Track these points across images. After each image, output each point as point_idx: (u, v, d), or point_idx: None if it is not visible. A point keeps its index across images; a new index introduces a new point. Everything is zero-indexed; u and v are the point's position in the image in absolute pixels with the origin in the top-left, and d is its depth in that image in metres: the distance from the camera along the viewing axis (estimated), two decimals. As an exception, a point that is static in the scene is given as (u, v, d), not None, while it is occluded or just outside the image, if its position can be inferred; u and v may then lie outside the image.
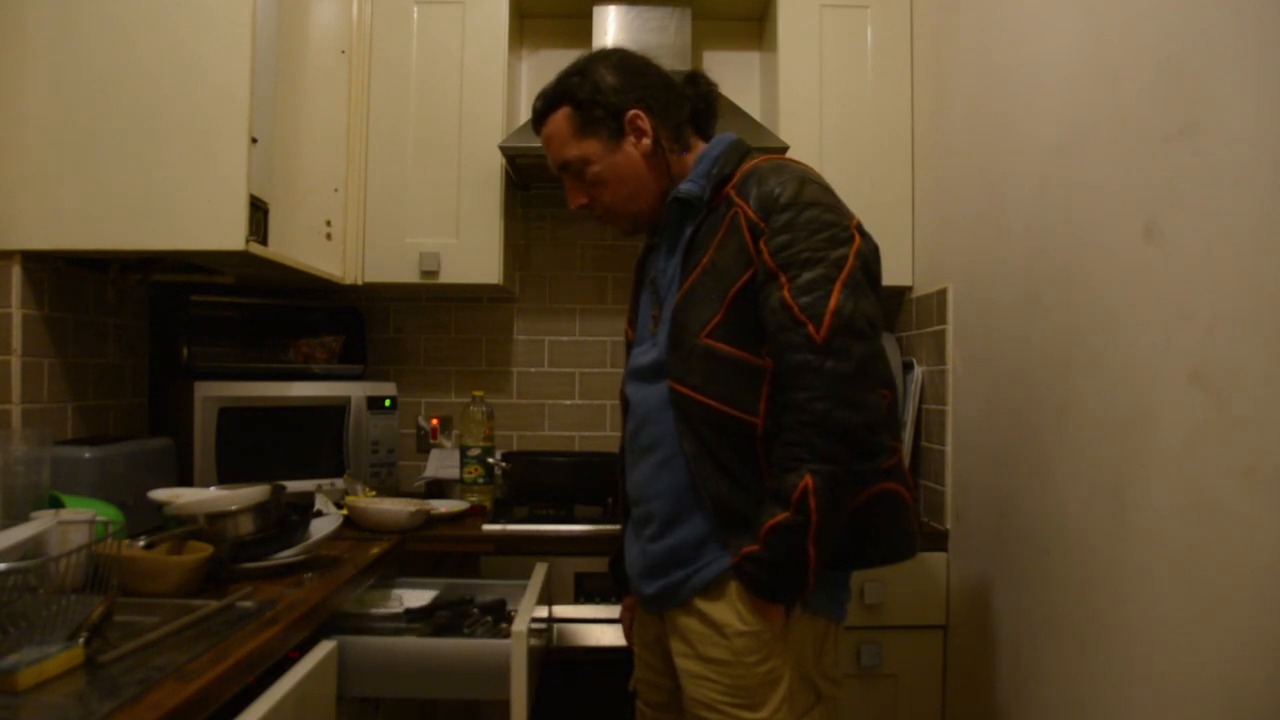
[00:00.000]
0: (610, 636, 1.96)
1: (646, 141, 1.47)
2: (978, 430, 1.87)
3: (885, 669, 2.01)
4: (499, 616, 1.68)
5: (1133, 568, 1.27)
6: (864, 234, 1.39)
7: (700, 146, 1.52)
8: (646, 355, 1.48)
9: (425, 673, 1.53)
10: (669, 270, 1.47)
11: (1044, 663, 1.53)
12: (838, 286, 1.30)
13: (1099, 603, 1.35)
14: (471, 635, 1.60)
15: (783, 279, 1.32)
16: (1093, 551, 1.37)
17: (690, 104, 1.53)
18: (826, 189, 1.40)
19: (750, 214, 1.37)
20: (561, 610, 2.00)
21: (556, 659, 2.00)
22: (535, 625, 1.61)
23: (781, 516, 1.27)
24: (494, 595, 1.78)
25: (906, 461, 2.16)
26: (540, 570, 1.83)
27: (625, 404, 1.55)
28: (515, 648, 1.46)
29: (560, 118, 1.48)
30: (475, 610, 1.68)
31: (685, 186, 1.45)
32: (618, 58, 1.52)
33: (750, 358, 1.35)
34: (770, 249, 1.34)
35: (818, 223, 1.34)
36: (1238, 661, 1.06)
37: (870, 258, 1.39)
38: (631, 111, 1.46)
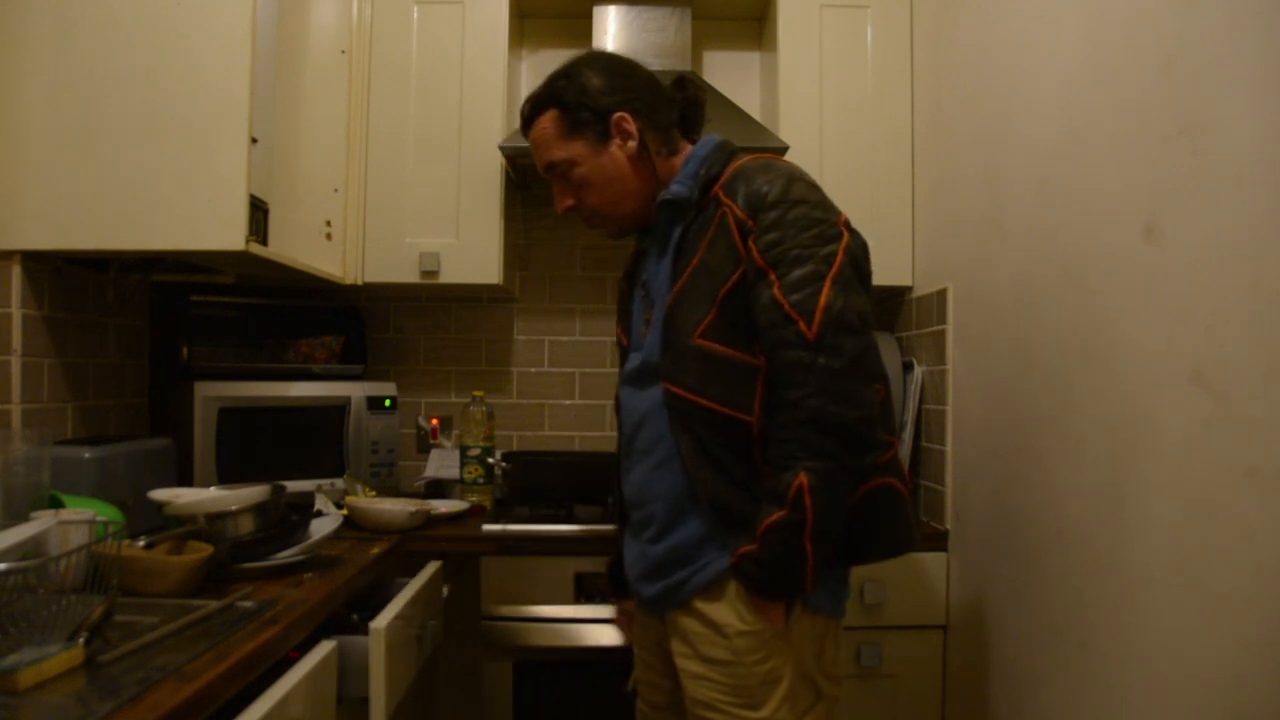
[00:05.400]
0: (610, 636, 1.96)
1: (632, 144, 1.47)
2: (978, 430, 1.87)
3: (885, 669, 2.01)
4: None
5: (1132, 568, 1.27)
6: (852, 230, 1.39)
7: (687, 149, 1.52)
8: (639, 359, 1.48)
9: None
10: (660, 273, 1.47)
11: (1044, 663, 1.53)
12: (828, 283, 1.30)
13: (1099, 603, 1.35)
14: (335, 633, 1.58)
15: (772, 277, 1.32)
16: (1092, 551, 1.37)
17: (678, 107, 1.53)
18: (813, 186, 1.40)
19: (738, 213, 1.37)
20: (561, 610, 2.00)
21: (557, 658, 2.00)
22: (415, 623, 1.63)
23: (778, 515, 1.27)
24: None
25: (906, 461, 2.18)
26: (430, 567, 1.83)
27: (619, 408, 1.55)
28: (374, 644, 1.45)
29: (547, 120, 1.49)
30: (341, 609, 1.68)
31: (674, 189, 1.45)
32: (605, 60, 1.53)
33: (743, 357, 1.35)
34: (759, 247, 1.34)
35: (806, 220, 1.34)
36: (1238, 662, 1.06)
37: (859, 254, 1.39)
38: (617, 114, 1.46)
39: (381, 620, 1.48)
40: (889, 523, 1.41)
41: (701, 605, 1.38)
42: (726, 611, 1.35)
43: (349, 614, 1.67)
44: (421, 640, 1.71)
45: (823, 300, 1.29)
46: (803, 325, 1.28)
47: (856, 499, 1.35)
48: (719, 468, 1.35)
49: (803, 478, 1.26)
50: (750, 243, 1.35)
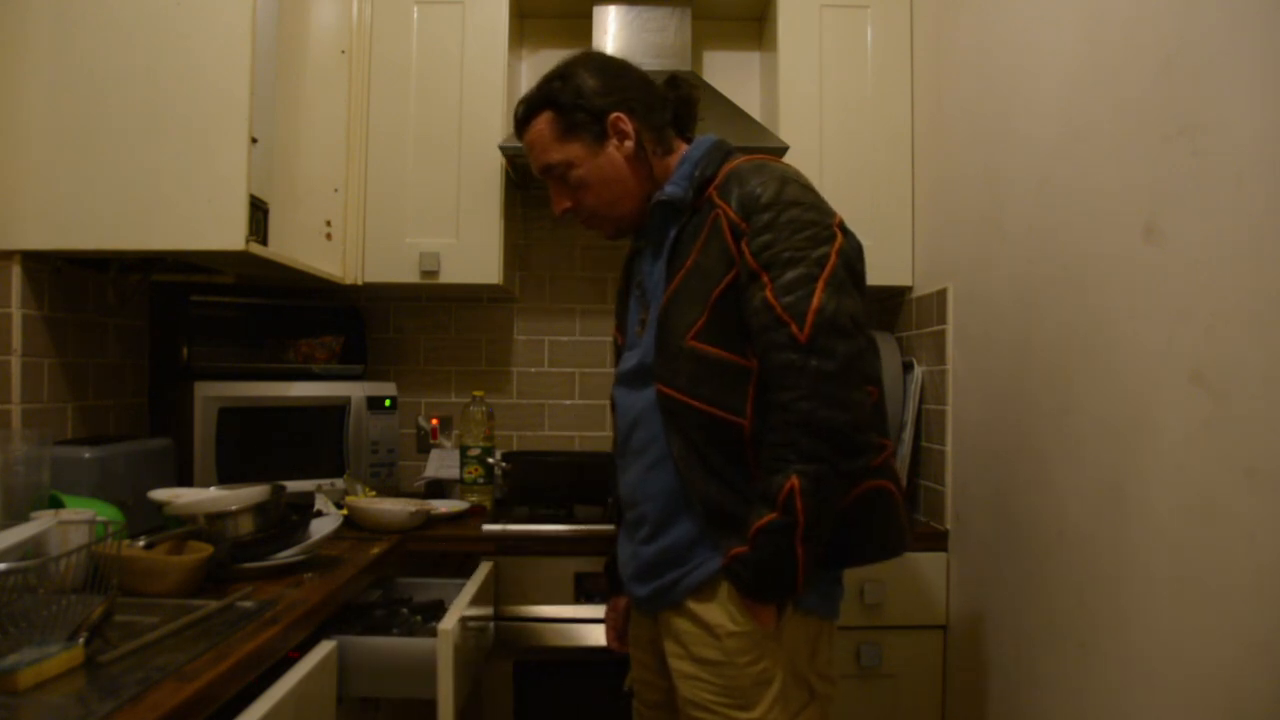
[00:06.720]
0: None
1: (629, 144, 1.46)
2: (978, 430, 1.87)
3: (885, 669, 2.01)
4: (432, 616, 1.67)
5: (1132, 568, 1.27)
6: (846, 232, 1.38)
7: (682, 148, 1.52)
8: (634, 359, 1.48)
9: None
10: (655, 273, 1.47)
11: (1043, 663, 1.53)
12: (820, 285, 1.30)
13: (1098, 603, 1.35)
14: (402, 634, 1.59)
15: (765, 279, 1.32)
16: (1092, 552, 1.37)
17: (671, 106, 1.52)
18: (807, 188, 1.40)
19: (731, 215, 1.37)
20: (561, 610, 2.00)
21: (557, 658, 2.00)
22: (474, 624, 1.62)
23: (769, 518, 1.27)
24: (433, 595, 1.80)
25: (906, 461, 2.18)
26: (483, 568, 1.83)
27: (614, 408, 1.55)
28: (441, 645, 1.46)
29: (542, 122, 1.48)
30: (404, 610, 1.69)
31: (668, 189, 1.45)
32: (599, 60, 1.52)
33: (736, 359, 1.35)
34: (752, 249, 1.33)
35: (799, 222, 1.33)
36: (1238, 663, 1.06)
37: (853, 255, 1.38)
38: (614, 114, 1.46)
39: (449, 621, 1.49)
40: (881, 526, 1.41)
41: (693, 606, 1.38)
42: (718, 612, 1.35)
43: (411, 615, 1.68)
44: (479, 642, 1.72)
45: (815, 303, 1.29)
46: (794, 328, 1.28)
47: (849, 501, 1.35)
48: (710, 469, 1.35)
49: (794, 480, 1.26)
50: (743, 245, 1.34)
